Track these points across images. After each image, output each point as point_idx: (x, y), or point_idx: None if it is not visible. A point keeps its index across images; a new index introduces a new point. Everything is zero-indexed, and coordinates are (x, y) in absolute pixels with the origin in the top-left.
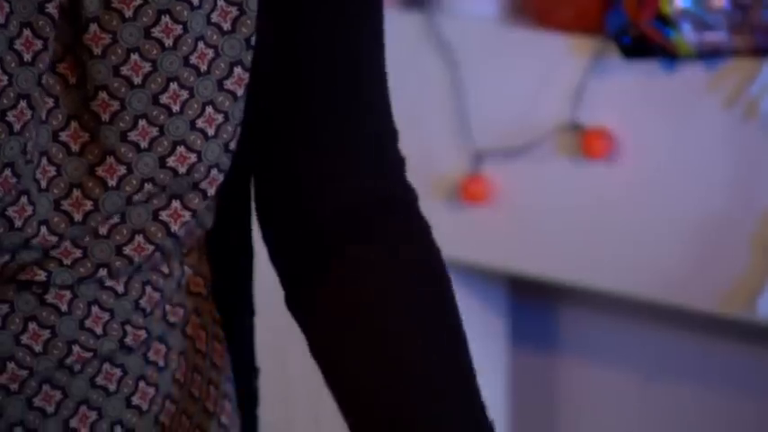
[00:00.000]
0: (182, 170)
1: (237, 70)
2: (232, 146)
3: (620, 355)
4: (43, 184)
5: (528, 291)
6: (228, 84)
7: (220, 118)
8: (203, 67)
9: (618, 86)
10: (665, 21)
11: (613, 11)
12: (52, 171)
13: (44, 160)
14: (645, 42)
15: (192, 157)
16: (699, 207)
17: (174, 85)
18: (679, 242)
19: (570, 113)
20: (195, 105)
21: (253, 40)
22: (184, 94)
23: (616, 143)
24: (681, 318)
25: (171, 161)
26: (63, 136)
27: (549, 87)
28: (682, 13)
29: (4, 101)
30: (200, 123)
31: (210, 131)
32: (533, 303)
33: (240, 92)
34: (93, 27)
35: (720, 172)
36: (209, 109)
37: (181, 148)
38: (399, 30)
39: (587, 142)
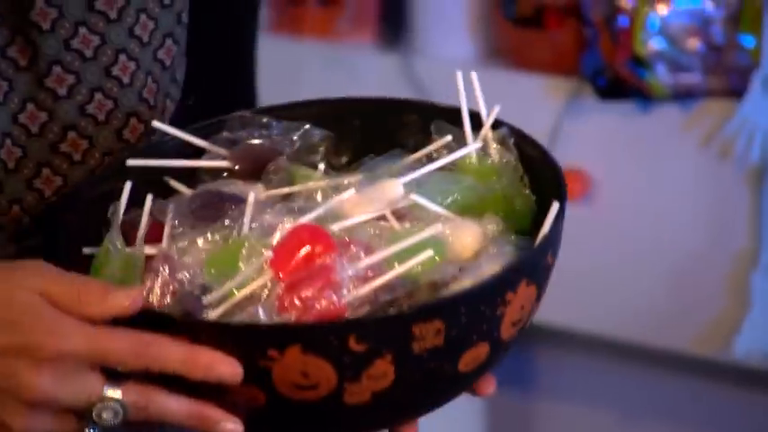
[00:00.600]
0: (134, 141)
1: (168, 42)
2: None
3: (595, 396)
4: (11, 165)
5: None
6: (160, 53)
7: (154, 87)
8: (145, 38)
9: (593, 127)
10: (639, 62)
11: (589, 52)
12: (18, 152)
13: (8, 142)
14: (620, 84)
15: (141, 127)
16: (674, 247)
17: (122, 57)
18: (654, 282)
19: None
20: (141, 76)
21: (184, 16)
22: (132, 66)
23: (591, 184)
24: (657, 358)
25: (126, 133)
26: (22, 118)
27: (525, 127)
28: (657, 55)
29: None
30: (144, 94)
31: (152, 101)
32: None
33: (168, 62)
34: (39, 3)
35: (696, 212)
36: (149, 79)
37: (133, 120)
38: (376, 70)
39: None
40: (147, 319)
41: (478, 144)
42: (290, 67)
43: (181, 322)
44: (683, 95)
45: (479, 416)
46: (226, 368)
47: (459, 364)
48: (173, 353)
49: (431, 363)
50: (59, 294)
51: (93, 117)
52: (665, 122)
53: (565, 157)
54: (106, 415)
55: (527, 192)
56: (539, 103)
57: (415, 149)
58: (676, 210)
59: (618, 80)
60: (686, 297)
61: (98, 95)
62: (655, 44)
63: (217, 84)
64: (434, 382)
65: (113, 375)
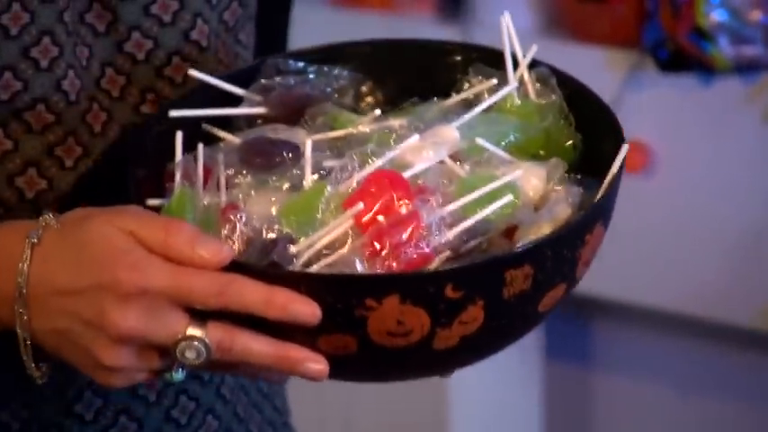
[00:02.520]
0: None
1: (234, 4)
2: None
3: (653, 370)
4: (97, 128)
5: (562, 304)
6: (226, 15)
7: (224, 49)
8: (214, 1)
9: (654, 100)
10: (701, 34)
11: (650, 24)
12: (104, 116)
13: (95, 106)
14: (681, 56)
15: None
16: (736, 220)
17: (199, 21)
18: (715, 256)
19: None
20: (213, 40)
21: None
22: (206, 29)
23: (653, 157)
24: (716, 332)
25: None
26: (103, 83)
27: None
28: (718, 27)
29: (26, 37)
30: (220, 55)
31: (226, 61)
32: (568, 317)
33: (232, 23)
34: None
35: (758, 185)
36: (219, 43)
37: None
38: None
39: None
40: (238, 271)
41: (515, 84)
42: (349, 39)
43: (277, 275)
44: (746, 68)
45: (537, 388)
46: (302, 307)
47: (540, 306)
48: (252, 292)
49: (517, 306)
50: (148, 235)
51: (171, 79)
52: (727, 95)
53: (625, 130)
54: (189, 354)
55: (572, 129)
56: (599, 75)
57: (455, 90)
58: (738, 183)
59: (679, 52)
60: (747, 271)
61: (175, 59)
62: (717, 16)
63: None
64: (517, 324)
65: (199, 316)
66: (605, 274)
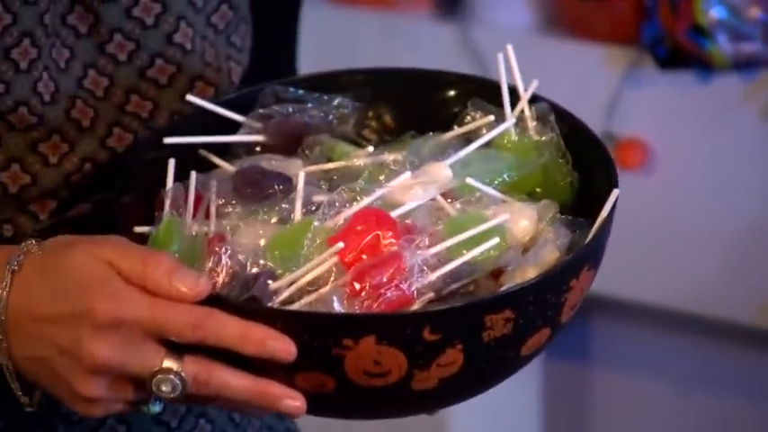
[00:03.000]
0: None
1: (224, 7)
2: (235, 80)
3: (652, 366)
4: (85, 123)
5: None
6: (214, 18)
7: (213, 51)
8: (199, 4)
9: (653, 97)
10: (700, 31)
11: (649, 22)
12: (91, 112)
13: (79, 103)
14: (680, 53)
15: (211, 90)
16: (734, 217)
17: (182, 24)
18: (714, 253)
19: (605, 124)
20: (199, 42)
21: None
22: (190, 32)
23: (651, 154)
24: (715, 329)
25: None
26: (85, 83)
27: (583, 98)
28: (717, 24)
29: (8, 39)
30: (207, 58)
31: (215, 65)
32: None
33: (222, 26)
34: None
35: (756, 182)
36: (206, 45)
37: (199, 83)
38: (434, 39)
39: (622, 153)
40: (216, 305)
41: (512, 121)
42: (347, 37)
43: (254, 310)
44: (744, 65)
45: (537, 386)
46: (278, 344)
47: (522, 350)
48: (228, 327)
49: (497, 350)
50: (127, 266)
51: (155, 81)
52: (726, 92)
53: (624, 127)
54: (165, 387)
55: (569, 167)
56: (598, 72)
57: (453, 123)
58: (736, 180)
59: (678, 49)
60: (746, 268)
61: (159, 61)
62: (715, 13)
63: (258, 54)
64: (497, 367)
65: (176, 349)
66: (604, 271)
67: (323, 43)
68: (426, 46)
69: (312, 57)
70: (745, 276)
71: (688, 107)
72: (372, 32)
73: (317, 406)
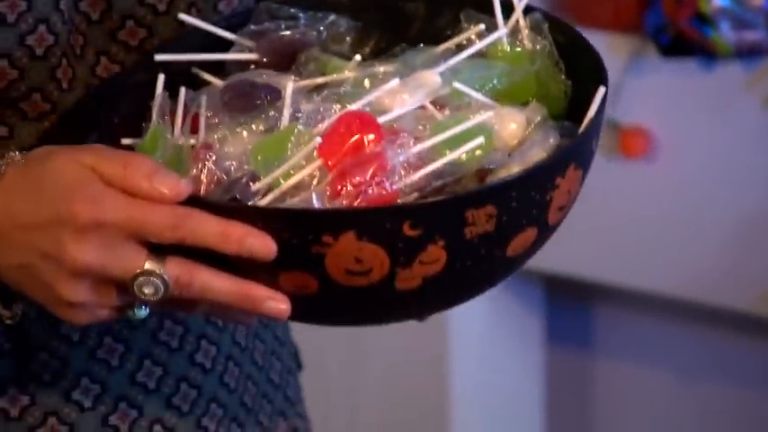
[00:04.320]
0: None
1: None
2: None
3: (654, 355)
4: None
5: (564, 290)
6: (221, 5)
7: None
8: None
9: (656, 85)
10: (703, 19)
11: (651, 10)
12: None
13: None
14: (683, 41)
15: None
16: (736, 206)
17: (193, 11)
18: (716, 241)
19: (607, 112)
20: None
21: None
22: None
23: (653, 142)
24: (717, 317)
25: None
26: (98, 71)
27: None
28: (720, 12)
29: (23, 25)
30: None
31: None
32: (569, 303)
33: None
34: None
35: (758, 171)
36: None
37: None
38: None
39: (625, 141)
40: (196, 206)
41: (505, 30)
42: None
43: (233, 209)
44: (747, 53)
45: (540, 374)
46: (258, 241)
47: (508, 249)
48: (208, 226)
49: (481, 248)
50: (107, 169)
51: None
52: (729, 80)
53: (627, 115)
54: (147, 289)
55: (562, 76)
56: None
57: (446, 38)
58: (739, 168)
59: (681, 37)
60: (747, 256)
61: None
62: (718, 1)
63: None
64: (483, 267)
65: (159, 252)
66: (606, 259)
67: None
68: None
69: None
70: (748, 264)
71: (691, 95)
72: None
73: (302, 310)
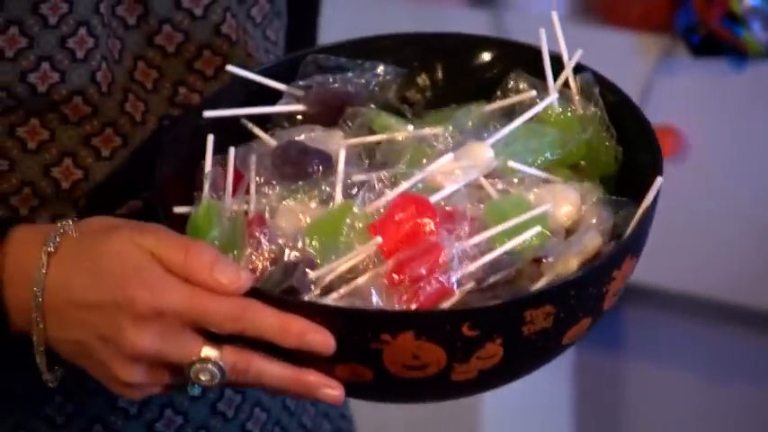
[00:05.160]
0: None
1: (262, 0)
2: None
3: (683, 355)
4: (138, 117)
5: None
6: (253, 11)
7: (253, 44)
8: None
9: (686, 85)
10: (734, 19)
11: (682, 9)
12: (142, 106)
13: (131, 96)
14: (714, 41)
15: None
16: (766, 205)
17: (228, 15)
18: (745, 241)
19: None
20: (242, 34)
21: None
22: (234, 23)
23: (684, 141)
24: (746, 318)
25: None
26: (136, 75)
27: None
28: (752, 12)
29: (64, 27)
30: (250, 50)
31: (255, 55)
32: None
33: (259, 19)
34: None
35: None
36: (247, 38)
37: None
38: (466, 27)
39: None
40: (255, 297)
41: (555, 95)
42: (379, 26)
43: (294, 303)
44: None
45: (568, 375)
46: (317, 336)
47: (563, 339)
48: (268, 319)
49: (538, 342)
50: (167, 255)
51: (202, 73)
52: (760, 80)
53: (657, 115)
54: (203, 376)
55: (613, 142)
56: (630, 60)
57: (494, 89)
58: None
59: (712, 37)
60: None
61: (206, 52)
62: (750, 0)
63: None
64: (538, 357)
65: (215, 338)
66: None
67: (354, 32)
68: None
69: None
70: None
71: (721, 95)
72: (405, 20)
73: (356, 393)
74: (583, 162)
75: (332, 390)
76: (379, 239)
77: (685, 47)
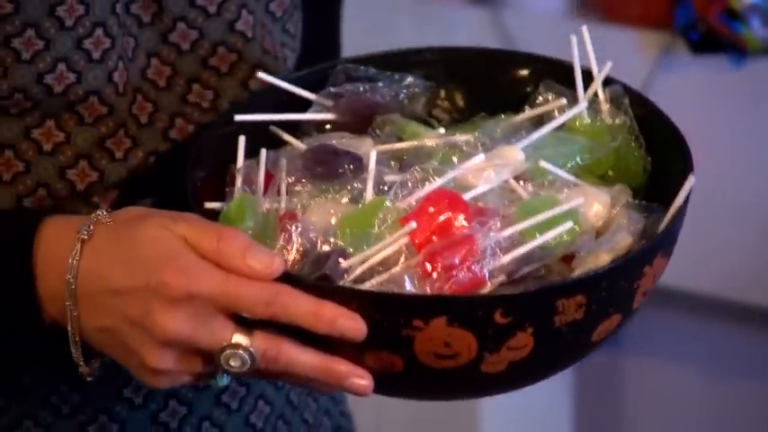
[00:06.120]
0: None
1: None
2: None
3: (683, 352)
4: (143, 119)
5: None
6: (272, 6)
7: (270, 39)
8: None
9: (686, 82)
10: (733, 16)
11: (681, 6)
12: (150, 107)
13: (139, 97)
14: (713, 37)
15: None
16: (766, 203)
17: (244, 12)
18: (746, 238)
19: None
20: (258, 30)
21: None
22: (251, 20)
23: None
24: (747, 314)
25: (252, 84)
26: (148, 74)
27: None
28: (751, 8)
29: (80, 29)
30: (266, 46)
31: (272, 52)
32: None
33: (279, 14)
34: None
35: None
36: (264, 33)
37: (259, 72)
38: (466, 25)
39: None
40: (287, 282)
41: (585, 104)
42: (379, 23)
43: (326, 289)
44: None
45: (568, 372)
46: (349, 322)
47: (593, 335)
48: (300, 304)
49: (568, 335)
50: (201, 241)
51: (217, 69)
52: (759, 77)
53: None
54: (234, 362)
55: (642, 152)
56: (630, 57)
57: (523, 103)
58: None
59: (711, 34)
60: None
61: (221, 49)
62: None
63: (305, 40)
64: (568, 352)
65: (246, 325)
66: None
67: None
68: (458, 31)
69: (346, 43)
70: None
71: (721, 92)
72: (405, 19)
73: (385, 385)
74: (611, 172)
75: (360, 379)
76: (414, 224)
77: (685, 44)
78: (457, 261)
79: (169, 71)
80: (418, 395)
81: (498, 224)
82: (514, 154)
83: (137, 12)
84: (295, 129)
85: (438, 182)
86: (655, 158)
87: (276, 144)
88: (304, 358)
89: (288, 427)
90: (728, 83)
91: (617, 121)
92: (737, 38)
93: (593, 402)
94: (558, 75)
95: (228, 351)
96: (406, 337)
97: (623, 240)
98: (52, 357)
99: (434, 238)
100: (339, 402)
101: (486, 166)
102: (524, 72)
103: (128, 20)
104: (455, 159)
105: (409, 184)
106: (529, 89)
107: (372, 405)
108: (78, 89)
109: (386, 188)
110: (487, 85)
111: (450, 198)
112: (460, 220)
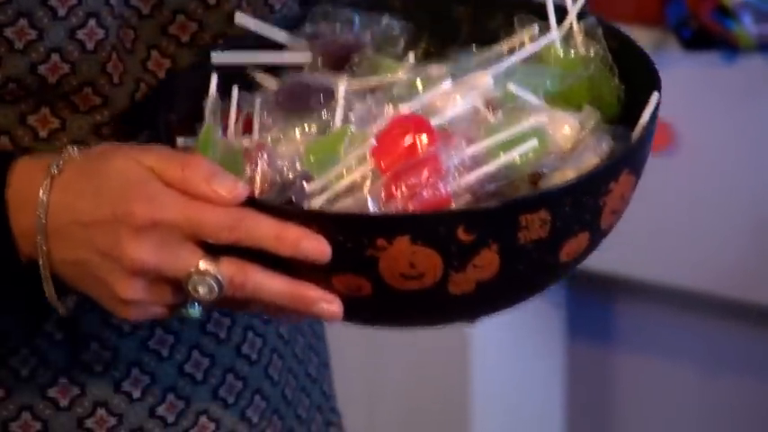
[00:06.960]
0: None
1: None
2: None
3: (676, 349)
4: None
5: (586, 284)
6: None
7: None
8: None
9: (678, 79)
10: (725, 12)
11: (673, 3)
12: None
13: (142, 86)
14: (705, 34)
15: None
16: (758, 199)
17: (243, 4)
18: (738, 235)
19: None
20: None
21: None
22: (251, 11)
23: (675, 136)
24: (739, 311)
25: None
26: (149, 65)
27: None
28: (742, 5)
29: (73, 19)
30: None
31: None
32: (591, 297)
33: (278, 6)
34: None
35: None
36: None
37: None
38: None
39: None
40: (252, 207)
41: (558, 33)
42: None
43: (289, 211)
44: None
45: (560, 368)
46: (313, 243)
47: (561, 254)
48: (263, 227)
49: (534, 253)
50: (166, 170)
51: None
52: (751, 73)
53: None
54: (201, 289)
55: (615, 81)
56: None
57: (496, 41)
58: (761, 161)
59: (703, 31)
60: None
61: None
62: None
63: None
64: (536, 272)
65: (213, 252)
66: (628, 253)
67: None
68: None
69: None
70: None
71: (713, 89)
72: None
73: (354, 312)
74: (586, 104)
75: (329, 304)
76: (373, 141)
77: (677, 40)
78: (420, 180)
79: (169, 64)
80: (389, 321)
81: (463, 144)
82: (483, 79)
83: (136, 4)
84: (273, 73)
85: (404, 108)
86: (628, 88)
87: (252, 89)
88: (272, 284)
89: (282, 422)
90: (721, 79)
91: (590, 51)
92: (729, 35)
93: (586, 399)
94: (534, 9)
95: (195, 278)
96: (370, 258)
97: (589, 160)
98: (31, 301)
99: (400, 162)
100: (329, 398)
101: (455, 91)
102: (502, 13)
103: (127, 12)
104: (420, 86)
105: (375, 111)
106: (502, 25)
107: (365, 404)
108: (72, 80)
109: (354, 117)
110: (465, 27)
111: (415, 122)
112: (425, 142)
